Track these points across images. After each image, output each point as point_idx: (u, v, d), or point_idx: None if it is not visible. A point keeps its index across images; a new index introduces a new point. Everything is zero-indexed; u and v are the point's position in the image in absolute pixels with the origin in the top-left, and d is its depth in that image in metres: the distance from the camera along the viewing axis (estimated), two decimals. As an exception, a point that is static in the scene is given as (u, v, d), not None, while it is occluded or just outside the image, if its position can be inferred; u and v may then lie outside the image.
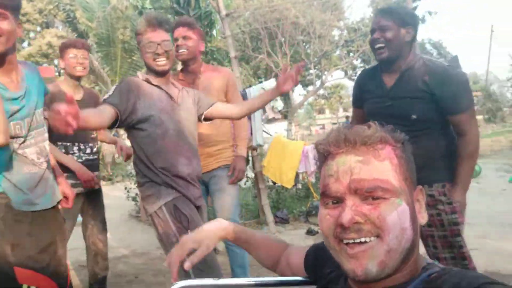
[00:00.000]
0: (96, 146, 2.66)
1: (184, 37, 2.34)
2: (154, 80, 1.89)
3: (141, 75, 1.94)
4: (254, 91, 4.62)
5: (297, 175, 5.11)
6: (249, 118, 4.40)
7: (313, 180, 5.91)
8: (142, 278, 3.40)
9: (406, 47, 1.87)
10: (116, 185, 10.11)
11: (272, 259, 1.07)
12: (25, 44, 24.50)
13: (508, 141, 14.75)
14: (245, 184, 5.82)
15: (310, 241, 4.24)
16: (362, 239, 0.67)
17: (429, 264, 0.72)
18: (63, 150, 2.49)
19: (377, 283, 0.68)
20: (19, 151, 1.60)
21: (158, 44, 1.81)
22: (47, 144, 1.74)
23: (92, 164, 2.61)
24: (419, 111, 1.82)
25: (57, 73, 14.17)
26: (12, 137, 1.54)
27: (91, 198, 2.66)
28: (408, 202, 0.69)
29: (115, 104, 1.73)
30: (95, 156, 2.67)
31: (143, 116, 1.80)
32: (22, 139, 1.60)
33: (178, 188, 1.85)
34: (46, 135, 1.74)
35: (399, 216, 0.67)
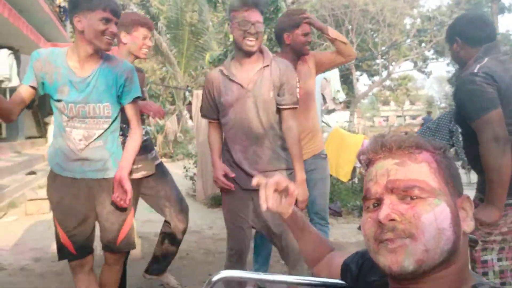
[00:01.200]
0: (145, 128, 2.47)
1: (310, 34, 2.46)
2: (234, 66, 1.99)
3: (222, 66, 2.02)
4: (316, 81, 4.54)
5: (354, 169, 4.99)
6: (308, 108, 4.36)
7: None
8: (192, 255, 3.56)
9: None
10: (176, 162, 10.58)
11: (316, 256, 1.09)
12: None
13: None
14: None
15: (361, 237, 4.15)
16: (398, 241, 0.67)
17: (480, 283, 0.69)
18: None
19: (416, 282, 0.68)
20: (67, 128, 1.81)
21: (252, 24, 1.85)
22: (101, 133, 1.84)
23: (144, 146, 2.29)
24: None
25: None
26: (61, 113, 1.80)
27: (156, 177, 2.47)
28: (449, 204, 0.68)
29: (208, 116, 2.10)
30: (146, 137, 2.44)
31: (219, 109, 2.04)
32: (66, 118, 1.80)
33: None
34: (107, 126, 1.84)
35: (436, 215, 0.66)
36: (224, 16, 12.05)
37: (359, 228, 4.45)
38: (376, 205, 0.72)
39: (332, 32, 2.51)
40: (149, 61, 16.13)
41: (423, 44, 20.61)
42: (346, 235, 4.21)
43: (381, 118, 46.87)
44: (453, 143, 3.98)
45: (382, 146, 0.74)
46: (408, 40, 20.42)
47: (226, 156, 2.06)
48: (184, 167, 6.58)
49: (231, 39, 7.18)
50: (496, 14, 3.70)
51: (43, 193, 4.89)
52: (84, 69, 1.77)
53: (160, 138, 12.21)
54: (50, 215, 4.50)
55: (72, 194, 1.86)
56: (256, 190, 0.99)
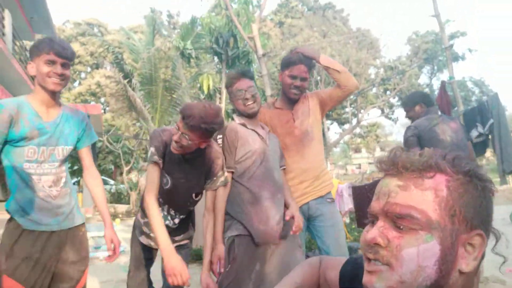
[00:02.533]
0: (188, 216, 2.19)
1: (303, 79, 2.32)
2: (248, 123, 2.14)
3: (237, 119, 2.17)
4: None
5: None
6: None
7: (347, 220, 5.77)
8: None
9: None
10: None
11: (314, 284, 1.01)
12: (76, 83, 26.30)
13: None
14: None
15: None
16: (377, 263, 0.67)
17: None
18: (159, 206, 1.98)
19: None
20: (34, 176, 1.75)
21: (245, 90, 2.07)
22: (66, 177, 1.88)
23: (177, 228, 2.11)
24: None
25: (102, 110, 14.93)
26: (27, 161, 1.74)
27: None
28: (443, 241, 0.63)
29: (231, 168, 2.07)
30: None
31: (238, 158, 2.06)
32: (35, 164, 1.75)
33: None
34: (64, 168, 1.87)
35: (419, 252, 0.63)
36: (197, 71, 12.42)
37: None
38: (374, 221, 0.71)
39: (324, 60, 2.35)
40: (123, 117, 16.15)
41: (388, 92, 21.69)
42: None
43: (353, 165, 47.68)
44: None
45: (392, 164, 0.69)
46: (374, 89, 21.47)
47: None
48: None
49: (205, 93, 7.41)
50: (451, 62, 4.02)
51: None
52: (49, 114, 1.81)
53: (133, 195, 11.93)
54: None
55: (43, 248, 1.78)
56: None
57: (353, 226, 5.78)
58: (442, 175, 0.66)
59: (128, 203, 12.00)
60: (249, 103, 2.08)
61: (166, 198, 2.00)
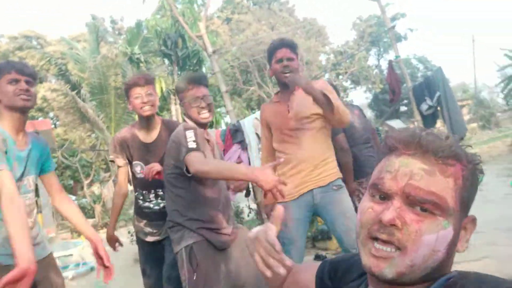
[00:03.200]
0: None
1: (289, 59, 2.30)
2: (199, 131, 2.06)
3: (190, 122, 2.06)
4: (248, 121, 4.67)
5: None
6: (245, 149, 4.44)
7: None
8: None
9: None
10: (119, 230, 9.95)
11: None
12: (19, 100, 24.83)
13: (505, 145, 14.77)
14: (248, 215, 5.76)
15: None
16: (388, 248, 0.65)
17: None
18: (141, 197, 2.40)
19: (393, 286, 0.68)
20: None
21: (201, 98, 1.99)
22: (33, 207, 1.79)
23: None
24: None
25: (52, 125, 14.23)
26: None
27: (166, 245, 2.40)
28: (455, 227, 0.66)
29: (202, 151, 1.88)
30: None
31: None
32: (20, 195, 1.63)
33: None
34: (34, 200, 1.80)
35: (437, 238, 0.64)
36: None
37: (315, 258, 4.45)
38: (382, 197, 0.68)
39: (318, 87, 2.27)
40: (76, 130, 15.50)
41: (340, 76, 22.25)
42: (305, 268, 4.18)
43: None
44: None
45: (418, 145, 0.67)
46: (327, 74, 21.95)
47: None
48: (129, 232, 6.23)
49: (158, 96, 7.26)
50: (395, 42, 4.23)
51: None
52: (21, 141, 1.73)
53: (98, 208, 11.51)
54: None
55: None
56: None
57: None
58: (460, 164, 0.67)
59: (93, 217, 11.55)
60: (203, 112, 2.01)
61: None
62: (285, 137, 2.35)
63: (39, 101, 21.66)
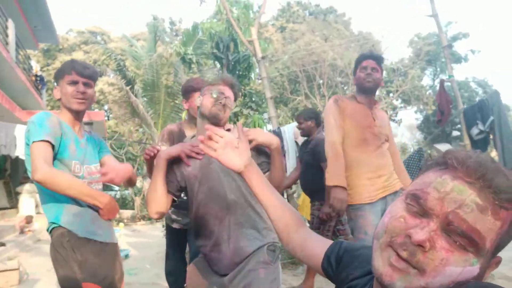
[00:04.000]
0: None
1: (373, 69, 2.51)
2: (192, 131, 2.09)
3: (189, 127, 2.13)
4: (289, 128, 4.67)
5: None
6: (284, 156, 4.44)
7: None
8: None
9: None
10: (155, 224, 10.29)
11: (285, 227, 1.03)
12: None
13: None
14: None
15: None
16: (404, 264, 0.62)
17: None
18: None
19: None
20: None
21: (225, 97, 1.78)
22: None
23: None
24: None
25: (106, 117, 14.95)
26: (75, 176, 1.73)
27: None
28: (483, 266, 0.63)
29: None
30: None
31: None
32: (80, 179, 1.75)
33: None
34: (98, 186, 1.89)
35: (461, 274, 0.61)
36: (199, 77, 12.46)
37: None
38: (421, 214, 0.64)
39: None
40: (126, 124, 16.23)
41: (390, 94, 21.64)
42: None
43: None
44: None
45: (480, 178, 0.61)
46: (377, 91, 21.42)
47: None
48: (163, 226, 6.41)
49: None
50: (449, 61, 4.06)
51: (12, 264, 4.63)
52: (78, 133, 1.84)
53: (138, 200, 11.95)
54: (19, 287, 4.23)
55: (104, 258, 1.77)
56: None
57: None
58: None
59: (133, 208, 12.01)
60: (219, 107, 1.75)
61: None
62: (368, 139, 2.48)
63: (96, 94, 22.92)
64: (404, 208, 0.66)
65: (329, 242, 0.96)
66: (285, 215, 1.03)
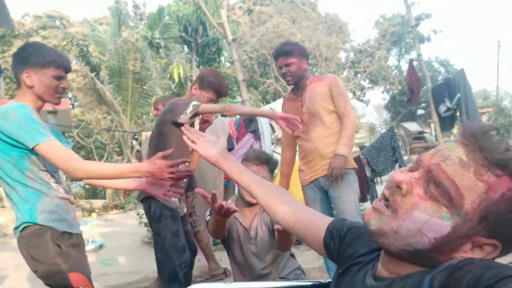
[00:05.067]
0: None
1: (286, 65, 2.59)
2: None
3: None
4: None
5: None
6: (258, 139, 4.44)
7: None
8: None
9: None
10: (128, 213, 10.13)
11: (272, 198, 1.02)
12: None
13: (524, 155, 14.41)
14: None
15: (323, 261, 4.15)
16: (383, 202, 0.68)
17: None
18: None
19: (399, 267, 0.69)
20: (52, 183, 1.70)
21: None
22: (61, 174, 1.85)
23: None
24: None
25: (70, 105, 14.44)
26: (42, 170, 1.67)
27: None
28: (457, 228, 0.62)
29: None
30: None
31: None
32: (47, 173, 1.70)
33: None
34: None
35: (426, 223, 0.63)
36: (166, 61, 12.17)
37: (322, 253, 4.45)
38: (414, 168, 0.69)
39: None
40: (93, 111, 15.71)
41: (358, 75, 22.00)
42: (309, 261, 4.18)
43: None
44: (396, 159, 4.22)
45: (475, 138, 0.63)
46: (345, 72, 21.74)
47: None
48: (138, 214, 6.32)
49: (175, 82, 7.27)
50: (417, 40, 4.15)
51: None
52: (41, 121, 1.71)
53: (109, 189, 11.69)
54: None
55: (80, 250, 1.76)
56: None
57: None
58: (509, 181, 0.61)
59: (104, 198, 11.75)
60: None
61: None
62: (302, 128, 2.51)
63: (58, 81, 21.94)
64: (407, 168, 0.71)
65: (329, 217, 0.96)
66: (269, 188, 1.05)
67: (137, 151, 13.88)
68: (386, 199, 0.68)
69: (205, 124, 2.78)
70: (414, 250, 0.65)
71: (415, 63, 4.36)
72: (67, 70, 1.76)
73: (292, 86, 2.76)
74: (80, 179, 1.55)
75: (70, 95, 22.43)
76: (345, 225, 0.92)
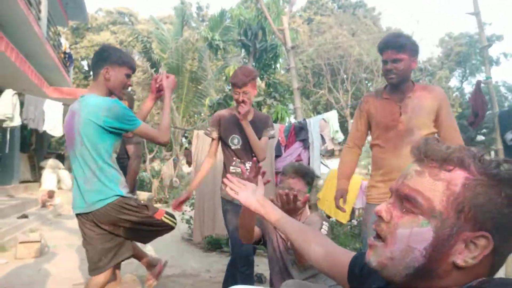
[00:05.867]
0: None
1: (394, 60, 2.20)
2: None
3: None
4: (315, 121, 4.60)
5: (353, 211, 4.92)
6: (307, 148, 4.38)
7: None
8: (189, 299, 3.39)
9: None
10: (170, 208, 10.39)
11: (306, 240, 1.07)
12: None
13: None
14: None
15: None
16: (373, 240, 0.74)
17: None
18: (233, 163, 2.70)
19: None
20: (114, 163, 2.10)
21: (294, 194, 1.76)
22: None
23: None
24: None
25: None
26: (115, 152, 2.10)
27: None
28: (439, 230, 0.65)
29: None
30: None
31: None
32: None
33: None
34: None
35: (411, 234, 0.67)
36: (223, 64, 12.44)
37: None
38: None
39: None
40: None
41: (416, 93, 21.21)
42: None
43: (377, 165, 46.87)
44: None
45: (417, 150, 0.72)
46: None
47: None
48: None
49: (229, 86, 7.38)
50: (488, 61, 3.89)
51: (34, 236, 4.75)
52: None
53: (155, 183, 12.09)
54: (40, 259, 4.34)
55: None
56: None
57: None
58: (463, 171, 0.66)
59: (150, 191, 12.17)
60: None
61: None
62: (388, 139, 2.25)
63: (121, 74, 23.16)
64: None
65: (351, 253, 1.00)
66: (303, 230, 1.10)
67: (186, 148, 14.27)
68: (376, 234, 0.73)
69: (242, 105, 2.53)
70: (414, 270, 0.67)
71: (482, 85, 4.10)
72: (135, 71, 2.17)
73: (389, 86, 2.32)
74: (166, 141, 2.13)
75: (129, 89, 23.57)
76: (363, 259, 0.89)
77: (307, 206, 2.07)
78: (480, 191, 0.64)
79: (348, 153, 2.48)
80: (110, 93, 2.09)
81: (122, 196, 2.04)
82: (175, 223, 2.23)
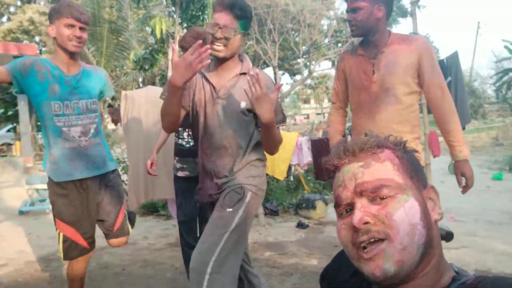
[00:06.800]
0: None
1: (352, 9, 1.91)
2: (209, 68, 1.80)
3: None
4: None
5: (289, 167, 5.03)
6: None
7: (304, 172, 5.85)
8: (129, 270, 3.28)
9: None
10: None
11: None
12: (4, 18, 23.51)
13: (489, 138, 15.03)
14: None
15: (301, 234, 4.20)
16: (372, 240, 0.67)
17: (459, 273, 0.70)
18: (176, 135, 2.61)
19: (402, 286, 0.68)
20: (64, 129, 1.99)
21: (220, 27, 1.64)
22: (94, 127, 2.10)
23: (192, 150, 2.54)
24: None
25: (38, 51, 13.62)
26: (56, 115, 1.97)
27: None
28: (417, 198, 0.70)
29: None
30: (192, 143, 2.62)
31: (186, 107, 1.84)
32: (63, 118, 1.99)
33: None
34: (97, 120, 2.13)
35: (406, 211, 0.68)
36: (145, 13, 11.51)
37: (298, 225, 4.50)
38: (348, 210, 0.73)
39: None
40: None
41: (339, 44, 21.79)
42: (286, 234, 4.22)
43: (302, 116, 48.70)
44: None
45: (345, 151, 0.75)
46: (327, 40, 21.47)
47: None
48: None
49: (157, 37, 6.87)
50: (415, 18, 4.02)
51: None
52: (70, 70, 2.03)
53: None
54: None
55: (80, 195, 2.07)
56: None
57: (309, 177, 5.91)
58: (388, 150, 0.74)
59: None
60: (217, 43, 1.66)
61: None
62: (362, 102, 2.02)
63: (25, 23, 20.55)
64: (340, 219, 0.74)
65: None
66: None
67: (109, 105, 13.34)
68: (370, 243, 0.68)
69: None
70: (424, 248, 0.67)
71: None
72: (78, 19, 1.94)
73: (361, 38, 2.04)
74: None
75: (37, 39, 21.06)
76: (323, 273, 0.94)
77: (246, 57, 1.83)
78: (406, 157, 0.75)
79: (334, 113, 2.25)
80: (68, 53, 1.99)
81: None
82: None
